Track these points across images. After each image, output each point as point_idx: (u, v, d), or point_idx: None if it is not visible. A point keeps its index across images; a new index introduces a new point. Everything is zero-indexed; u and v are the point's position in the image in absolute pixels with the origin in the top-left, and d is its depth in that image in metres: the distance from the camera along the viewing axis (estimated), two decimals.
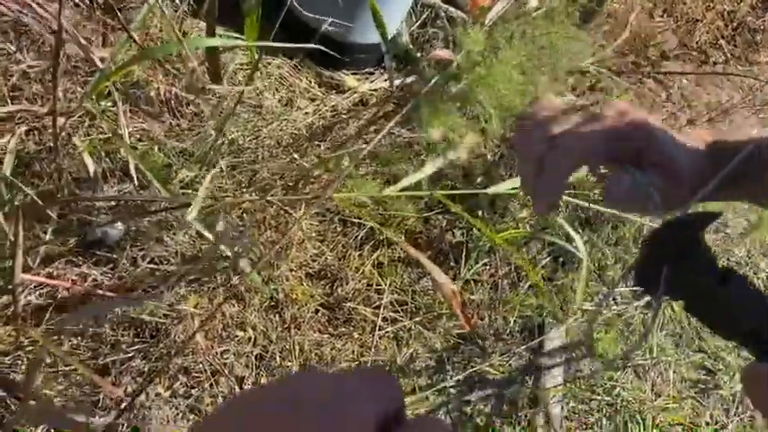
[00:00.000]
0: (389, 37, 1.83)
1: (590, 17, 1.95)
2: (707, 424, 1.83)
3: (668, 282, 0.43)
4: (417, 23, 1.94)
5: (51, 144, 1.28)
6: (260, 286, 1.19)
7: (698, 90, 2.34)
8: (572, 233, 0.89)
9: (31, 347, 1.15)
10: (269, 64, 1.73)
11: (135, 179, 1.03)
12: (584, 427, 1.68)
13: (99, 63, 0.71)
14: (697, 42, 2.47)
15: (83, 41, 0.72)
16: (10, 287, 0.94)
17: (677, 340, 1.90)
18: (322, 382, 0.29)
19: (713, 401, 1.87)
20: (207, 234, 0.80)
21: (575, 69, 1.57)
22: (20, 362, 1.17)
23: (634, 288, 1.88)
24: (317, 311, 1.51)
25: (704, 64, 2.44)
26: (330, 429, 0.25)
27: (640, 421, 1.73)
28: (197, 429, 0.28)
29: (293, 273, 1.51)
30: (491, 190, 0.81)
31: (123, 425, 1.21)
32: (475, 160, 1.76)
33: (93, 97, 1.03)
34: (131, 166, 0.93)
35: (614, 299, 1.86)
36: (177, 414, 1.26)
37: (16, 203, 0.76)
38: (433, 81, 1.04)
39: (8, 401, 1.14)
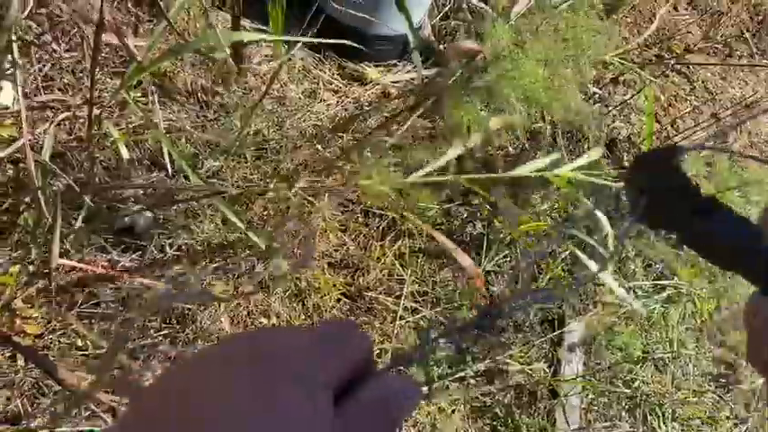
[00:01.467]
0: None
1: (614, 9, 1.94)
2: (727, 418, 1.83)
3: (648, 212, 0.42)
4: (440, 16, 1.95)
5: (82, 134, 1.31)
6: (283, 270, 1.21)
7: (722, 83, 2.31)
8: (602, 219, 0.89)
9: (62, 330, 1.18)
10: (293, 56, 1.74)
11: (168, 167, 1.05)
12: (604, 419, 1.68)
13: (137, 54, 0.73)
14: (722, 35, 2.44)
15: (123, 33, 0.74)
16: (46, 271, 0.97)
17: (698, 334, 1.89)
18: (283, 336, 0.28)
19: (733, 396, 1.86)
20: (238, 222, 0.82)
21: (598, 62, 1.57)
22: (51, 344, 1.20)
23: (655, 282, 1.88)
24: (338, 300, 1.53)
25: (729, 57, 2.41)
26: (263, 384, 0.25)
27: (660, 414, 1.73)
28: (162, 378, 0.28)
29: (316, 262, 1.53)
30: (515, 172, 0.81)
31: None
32: (496, 153, 1.77)
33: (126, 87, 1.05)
34: (165, 154, 0.96)
35: (635, 292, 1.85)
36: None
37: (54, 189, 0.78)
38: (458, 73, 1.04)
39: (41, 384, 1.18)
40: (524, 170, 0.78)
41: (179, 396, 0.25)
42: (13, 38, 0.70)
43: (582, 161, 0.84)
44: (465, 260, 0.81)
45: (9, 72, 0.84)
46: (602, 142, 1.94)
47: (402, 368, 0.35)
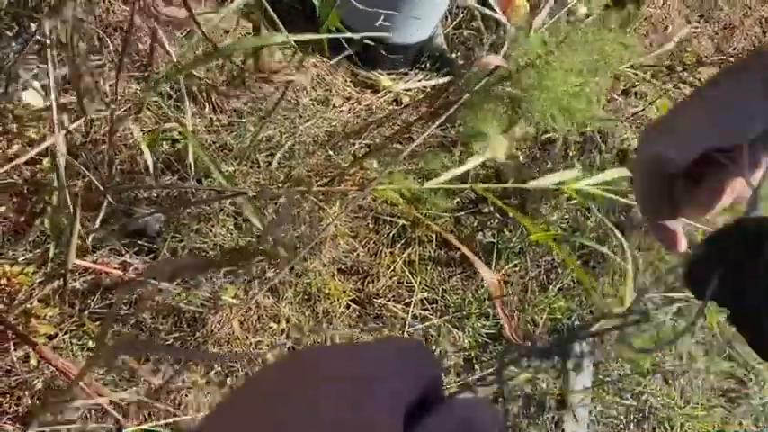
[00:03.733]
0: (425, 38, 1.85)
1: (627, 21, 1.95)
2: None
3: (718, 288, 0.40)
4: (453, 25, 1.96)
5: (98, 136, 1.32)
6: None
7: None
8: (618, 235, 0.89)
9: (75, 330, 1.19)
10: (307, 62, 1.76)
11: (192, 169, 1.06)
12: (612, 431, 1.68)
13: (174, 57, 0.74)
14: (734, 49, 2.44)
15: (159, 38, 0.76)
16: (62, 271, 0.98)
17: (707, 348, 1.89)
18: (341, 358, 0.27)
19: (742, 410, 1.85)
20: (257, 222, 0.82)
21: (613, 73, 1.58)
22: (64, 345, 1.21)
23: (666, 294, 1.87)
24: (348, 306, 1.54)
25: None
26: (350, 418, 0.23)
27: (668, 428, 1.72)
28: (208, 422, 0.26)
29: (326, 268, 1.54)
30: (533, 185, 0.82)
31: (160, 410, 1.25)
32: (507, 161, 1.77)
33: (152, 90, 1.07)
34: (190, 155, 0.97)
35: (645, 304, 1.85)
36: (212, 402, 1.30)
37: (76, 191, 0.79)
38: (481, 83, 1.05)
39: (52, 385, 1.19)
40: (545, 182, 0.78)
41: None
42: (47, 41, 0.71)
43: (603, 177, 0.85)
44: (485, 270, 0.82)
45: (35, 73, 0.85)
46: (615, 152, 1.94)
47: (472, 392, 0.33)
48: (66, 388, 1.03)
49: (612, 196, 0.92)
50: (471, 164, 0.83)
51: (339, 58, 1.74)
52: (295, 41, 1.17)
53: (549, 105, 1.25)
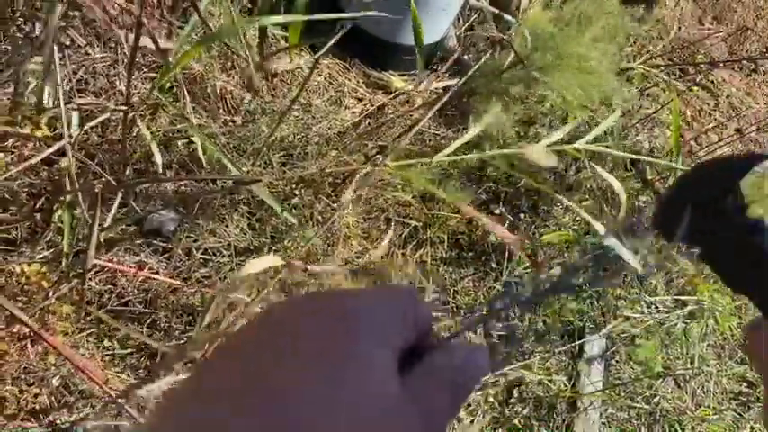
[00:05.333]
0: (437, 39, 1.86)
1: (640, 21, 1.94)
2: None
3: (689, 226, 0.39)
4: (465, 26, 1.96)
5: (114, 137, 1.33)
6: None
7: (747, 99, 2.30)
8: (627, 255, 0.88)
9: (92, 329, 1.20)
10: (319, 64, 1.76)
11: (204, 164, 1.07)
12: None
13: (169, 54, 0.74)
14: (747, 51, 2.43)
15: (155, 36, 0.76)
16: (80, 270, 0.99)
17: (719, 351, 1.88)
18: (326, 297, 0.27)
19: (754, 414, 1.84)
20: (275, 205, 0.83)
21: (623, 70, 1.57)
22: (80, 343, 1.22)
23: (677, 297, 1.87)
24: None
25: (754, 73, 2.40)
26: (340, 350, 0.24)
27: (679, 430, 1.71)
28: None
29: (338, 268, 1.54)
30: (534, 147, 0.81)
31: None
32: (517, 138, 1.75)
33: (157, 90, 1.08)
34: (199, 151, 0.97)
35: (656, 307, 1.84)
36: None
37: (96, 191, 0.80)
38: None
39: (68, 382, 1.20)
40: (543, 144, 0.77)
41: (255, 356, 0.24)
42: (53, 41, 0.72)
43: (598, 130, 0.84)
44: (501, 230, 0.81)
45: (48, 73, 0.86)
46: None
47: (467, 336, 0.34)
48: (87, 389, 1.04)
49: (616, 152, 0.91)
50: (472, 133, 0.82)
51: (326, 48, 1.75)
52: (306, 43, 1.18)
53: (568, 80, 1.24)
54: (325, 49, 0.95)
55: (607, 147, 0.89)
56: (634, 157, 1.10)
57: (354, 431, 0.22)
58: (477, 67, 1.22)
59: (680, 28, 2.32)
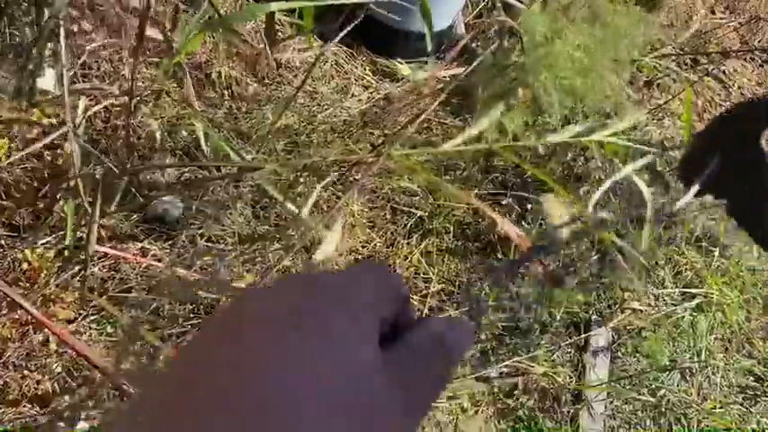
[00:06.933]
0: (446, 27, 1.83)
1: (651, 10, 1.92)
2: (753, 431, 1.79)
3: (713, 176, 0.38)
4: (473, 14, 1.94)
5: (117, 122, 1.32)
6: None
7: (758, 90, 2.27)
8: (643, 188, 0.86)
9: (94, 315, 1.20)
10: (326, 52, 1.74)
11: (205, 151, 1.06)
12: (628, 426, 1.66)
13: (174, 40, 0.73)
14: (759, 41, 2.39)
15: (163, 21, 0.75)
16: (82, 257, 0.98)
17: (726, 344, 1.86)
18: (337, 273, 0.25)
19: (761, 408, 1.83)
20: (277, 195, 0.82)
21: (632, 61, 1.55)
22: (83, 330, 1.22)
23: (684, 289, 1.85)
24: None
25: (766, 64, 2.37)
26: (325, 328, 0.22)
27: (685, 424, 1.70)
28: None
29: (343, 257, 1.53)
30: (551, 139, 0.79)
31: None
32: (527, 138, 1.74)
33: (162, 75, 1.06)
34: (201, 139, 0.96)
35: (663, 299, 1.83)
36: None
37: (98, 176, 0.79)
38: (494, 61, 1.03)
39: (71, 368, 1.19)
40: (562, 136, 0.75)
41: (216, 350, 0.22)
42: (61, 24, 0.70)
43: (621, 125, 0.82)
44: (507, 225, 0.79)
45: (52, 59, 0.85)
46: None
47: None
48: (90, 375, 1.04)
49: (635, 145, 0.89)
50: (482, 125, 0.81)
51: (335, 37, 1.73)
52: (313, 31, 1.16)
53: (549, 84, 1.22)
54: (338, 38, 0.93)
55: (620, 138, 0.87)
56: (646, 149, 1.08)
57: (331, 407, 0.20)
58: (481, 59, 1.20)
59: (691, 17, 2.28)
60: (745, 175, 0.38)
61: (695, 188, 0.38)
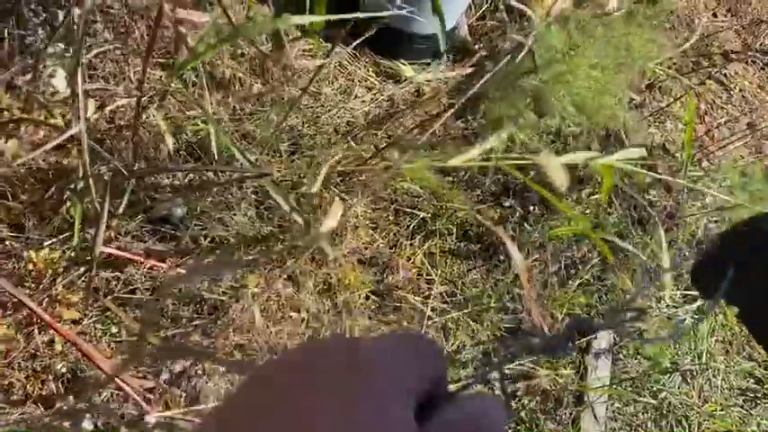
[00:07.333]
0: (449, 28, 1.83)
1: (653, 16, 1.92)
2: None
3: (731, 285, 0.38)
4: (476, 15, 1.94)
5: (123, 122, 1.32)
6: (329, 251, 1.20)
7: (760, 93, 2.27)
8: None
9: (98, 317, 1.20)
10: (335, 53, 1.74)
11: (214, 152, 1.06)
12: (629, 428, 1.67)
13: (191, 42, 0.73)
14: (761, 44, 2.40)
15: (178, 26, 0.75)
16: (88, 257, 0.98)
17: (727, 347, 1.87)
18: (381, 345, 0.26)
19: (761, 410, 1.83)
20: (282, 201, 0.82)
21: (640, 69, 1.55)
22: (88, 330, 1.22)
23: (686, 292, 1.86)
24: (367, 298, 1.54)
25: (767, 67, 2.37)
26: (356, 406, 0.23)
27: (686, 426, 1.71)
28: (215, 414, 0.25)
29: (346, 258, 1.53)
30: (564, 159, 0.79)
31: (181, 395, 1.25)
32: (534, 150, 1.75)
33: (173, 78, 1.06)
34: (212, 139, 0.96)
35: (665, 301, 1.83)
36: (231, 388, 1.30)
37: (105, 178, 0.79)
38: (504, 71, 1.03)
39: (75, 369, 1.19)
40: (575, 158, 0.76)
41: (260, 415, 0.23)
42: (80, 25, 0.70)
43: (630, 153, 0.83)
44: (515, 252, 0.80)
45: (61, 59, 0.85)
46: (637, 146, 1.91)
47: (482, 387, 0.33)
48: (94, 376, 1.04)
49: (642, 171, 0.90)
50: (492, 142, 0.81)
51: (334, 40, 1.73)
52: (319, 33, 1.16)
53: (565, 100, 1.24)
54: (350, 48, 0.93)
55: (633, 163, 0.87)
56: (655, 175, 1.08)
57: None
58: (491, 74, 1.20)
59: (693, 21, 2.29)
60: (761, 289, 0.39)
61: (713, 302, 0.39)
